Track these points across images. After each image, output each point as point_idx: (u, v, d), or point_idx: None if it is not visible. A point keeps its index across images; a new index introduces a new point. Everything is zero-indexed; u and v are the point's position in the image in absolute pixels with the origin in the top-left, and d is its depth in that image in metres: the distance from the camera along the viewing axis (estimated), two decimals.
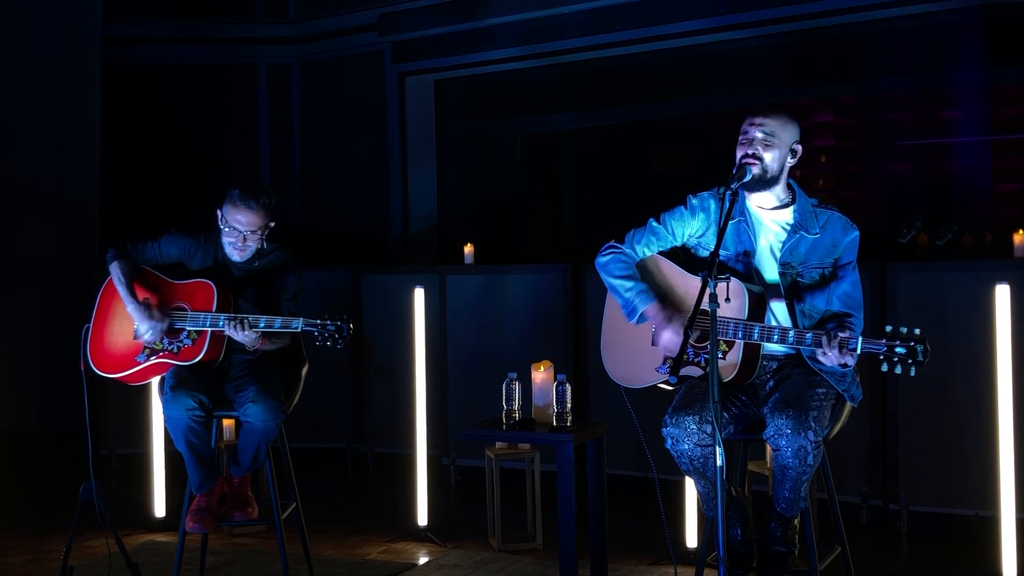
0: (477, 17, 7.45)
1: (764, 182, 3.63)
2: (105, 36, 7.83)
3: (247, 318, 4.16)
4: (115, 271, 4.36)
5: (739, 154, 3.64)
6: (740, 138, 3.67)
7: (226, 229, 4.30)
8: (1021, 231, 5.27)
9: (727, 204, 3.45)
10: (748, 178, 3.58)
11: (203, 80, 8.20)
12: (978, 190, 7.94)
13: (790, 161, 3.68)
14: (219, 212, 4.33)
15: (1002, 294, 4.39)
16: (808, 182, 8.58)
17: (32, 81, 7.49)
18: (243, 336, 4.16)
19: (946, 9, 6.36)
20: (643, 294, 3.72)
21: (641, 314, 3.72)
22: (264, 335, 4.23)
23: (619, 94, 7.91)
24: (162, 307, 4.30)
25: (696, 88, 7.67)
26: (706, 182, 3.81)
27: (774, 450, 3.47)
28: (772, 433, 3.44)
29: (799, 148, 3.70)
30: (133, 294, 4.31)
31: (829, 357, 3.40)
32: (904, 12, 6.43)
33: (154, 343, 4.28)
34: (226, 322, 4.17)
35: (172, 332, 4.28)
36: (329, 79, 8.20)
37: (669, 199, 3.84)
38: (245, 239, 4.30)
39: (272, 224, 4.37)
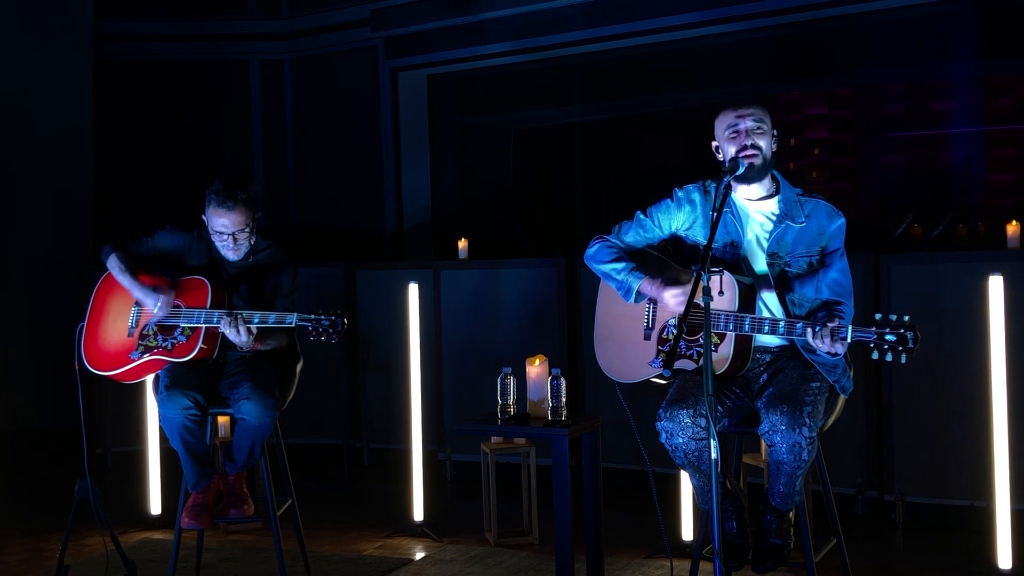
0: (469, 12, 7.45)
1: (763, 169, 3.63)
2: (97, 33, 7.82)
3: (241, 314, 4.15)
4: (113, 262, 4.36)
5: (733, 149, 3.60)
6: (727, 133, 3.63)
7: (214, 233, 4.30)
8: (1014, 222, 5.28)
9: (719, 199, 3.44)
10: (743, 170, 3.57)
11: (196, 77, 8.19)
12: (972, 181, 7.96)
13: (773, 146, 3.68)
14: (204, 217, 4.32)
15: (995, 285, 4.40)
16: (802, 174, 8.60)
17: (24, 79, 7.48)
18: (236, 336, 4.15)
19: (939, 0, 6.36)
20: (634, 272, 3.72)
21: (638, 292, 3.72)
22: (257, 337, 4.22)
23: (612, 88, 7.91)
24: (167, 288, 4.30)
25: (690, 81, 7.67)
26: (700, 175, 3.81)
27: (768, 446, 3.47)
28: (767, 429, 3.44)
29: (776, 132, 3.70)
30: (135, 278, 4.31)
31: (820, 345, 3.41)
32: (897, 4, 6.43)
33: (160, 323, 4.26)
34: (220, 319, 4.16)
35: (166, 329, 4.28)
36: (322, 75, 8.19)
37: (663, 192, 3.84)
38: (235, 238, 4.29)
39: (259, 215, 4.36)
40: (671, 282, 3.65)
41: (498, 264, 6.42)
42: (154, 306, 4.26)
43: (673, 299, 3.62)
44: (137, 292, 4.30)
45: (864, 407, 5.25)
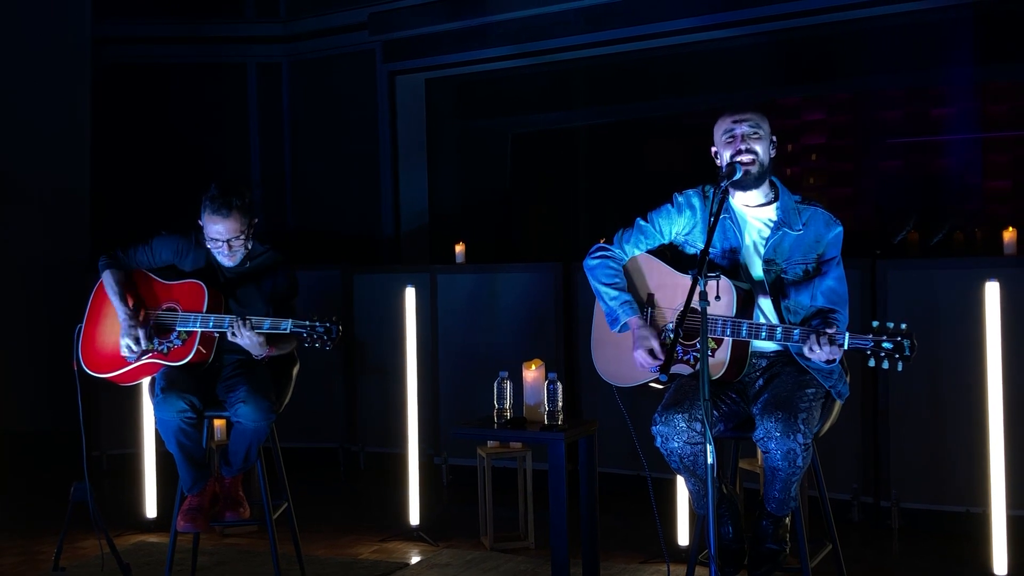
0: (468, 16, 7.44)
1: (760, 176, 3.64)
2: (95, 35, 7.82)
3: (249, 319, 4.13)
4: (107, 280, 4.36)
5: (729, 153, 3.62)
6: (723, 138, 3.66)
7: (209, 240, 4.29)
8: (1011, 228, 5.29)
9: (716, 204, 3.46)
10: (739, 175, 3.58)
11: (193, 79, 8.18)
12: (969, 187, 7.97)
13: (772, 152, 3.69)
14: (200, 223, 4.32)
15: (992, 291, 4.40)
16: (799, 180, 8.61)
17: (22, 81, 7.47)
18: (246, 341, 4.14)
19: (937, 7, 6.37)
20: (627, 305, 3.74)
21: (623, 324, 3.73)
22: (270, 343, 4.21)
23: (611, 93, 7.91)
24: (148, 321, 4.28)
25: (688, 87, 7.67)
26: (700, 180, 3.81)
27: (764, 452, 3.47)
28: (761, 435, 3.44)
29: (775, 139, 3.71)
30: (125, 304, 4.30)
31: (816, 354, 3.41)
32: (895, 10, 6.43)
33: (133, 356, 4.26)
34: (228, 324, 4.14)
35: (163, 332, 4.27)
36: (319, 78, 8.19)
37: (661, 198, 3.84)
38: (230, 245, 4.28)
39: (255, 221, 4.35)
40: (649, 341, 3.66)
41: (495, 268, 6.42)
42: (124, 346, 4.26)
43: (640, 357, 3.65)
44: (121, 317, 4.29)
45: (860, 412, 5.25)
